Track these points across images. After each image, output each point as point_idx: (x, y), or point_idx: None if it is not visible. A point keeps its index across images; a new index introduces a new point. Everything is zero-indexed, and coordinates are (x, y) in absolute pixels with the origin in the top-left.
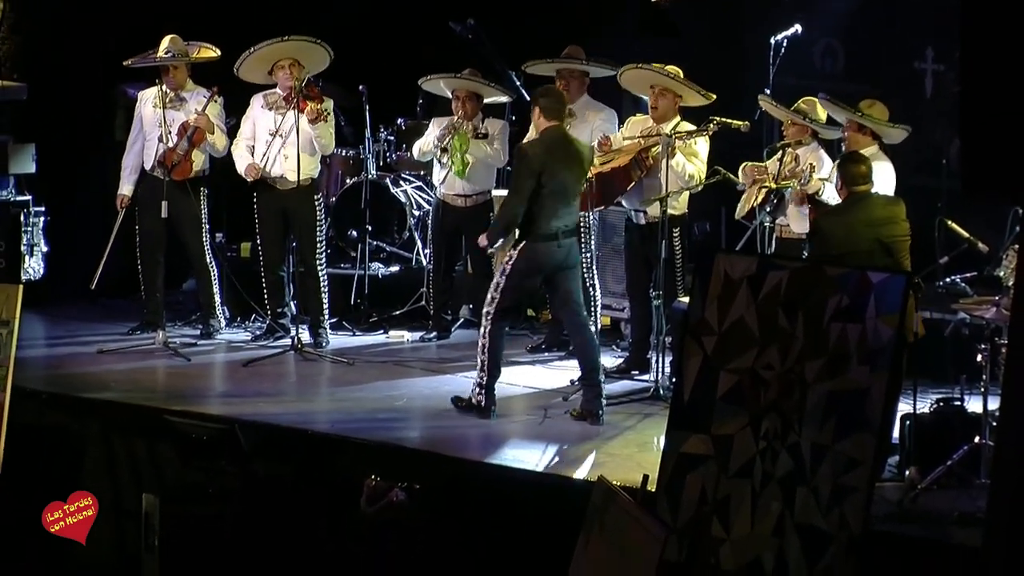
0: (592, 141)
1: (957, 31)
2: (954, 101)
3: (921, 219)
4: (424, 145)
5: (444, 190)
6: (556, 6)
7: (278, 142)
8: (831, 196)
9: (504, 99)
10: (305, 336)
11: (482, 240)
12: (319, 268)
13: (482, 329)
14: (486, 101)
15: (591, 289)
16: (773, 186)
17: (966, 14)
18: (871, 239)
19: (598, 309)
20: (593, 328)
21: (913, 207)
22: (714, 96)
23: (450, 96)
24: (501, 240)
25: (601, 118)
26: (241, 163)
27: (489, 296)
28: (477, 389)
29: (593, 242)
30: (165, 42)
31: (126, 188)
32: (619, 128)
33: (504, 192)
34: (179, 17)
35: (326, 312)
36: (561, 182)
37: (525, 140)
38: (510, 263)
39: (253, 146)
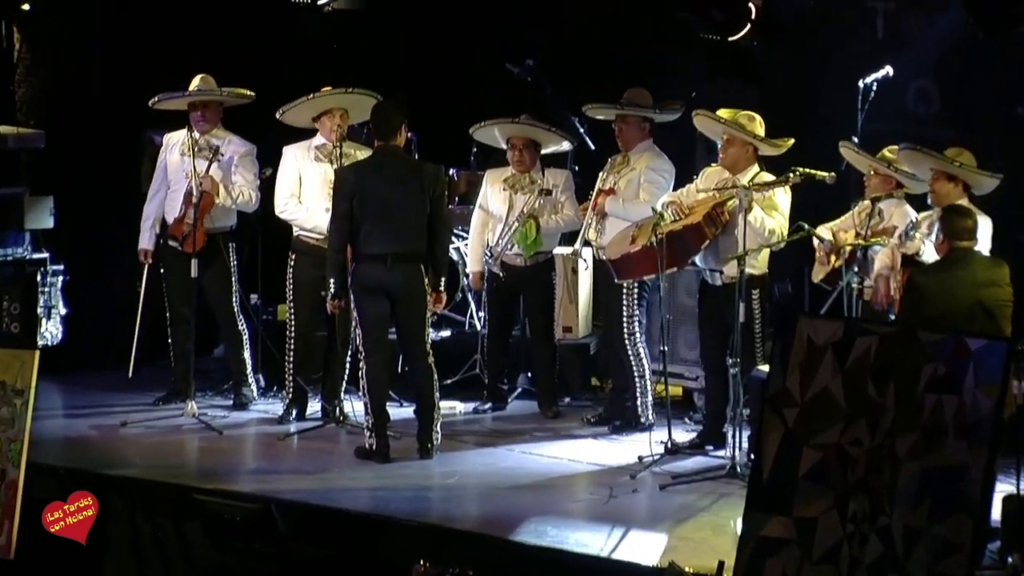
0: (638, 192)
1: None
2: None
3: None
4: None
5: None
6: (621, 47)
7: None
8: (931, 257)
9: (566, 146)
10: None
11: (330, 308)
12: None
13: (359, 372)
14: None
15: (632, 357)
16: (861, 243)
17: None
18: (971, 300)
19: (645, 381)
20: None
21: (1015, 264)
22: (788, 144)
23: (504, 146)
24: (333, 283)
25: (650, 167)
26: (314, 219)
27: (352, 335)
28: (368, 433)
29: (645, 306)
30: (196, 81)
31: (147, 242)
32: (696, 178)
33: (565, 249)
34: (210, 60)
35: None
36: (380, 203)
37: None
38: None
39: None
